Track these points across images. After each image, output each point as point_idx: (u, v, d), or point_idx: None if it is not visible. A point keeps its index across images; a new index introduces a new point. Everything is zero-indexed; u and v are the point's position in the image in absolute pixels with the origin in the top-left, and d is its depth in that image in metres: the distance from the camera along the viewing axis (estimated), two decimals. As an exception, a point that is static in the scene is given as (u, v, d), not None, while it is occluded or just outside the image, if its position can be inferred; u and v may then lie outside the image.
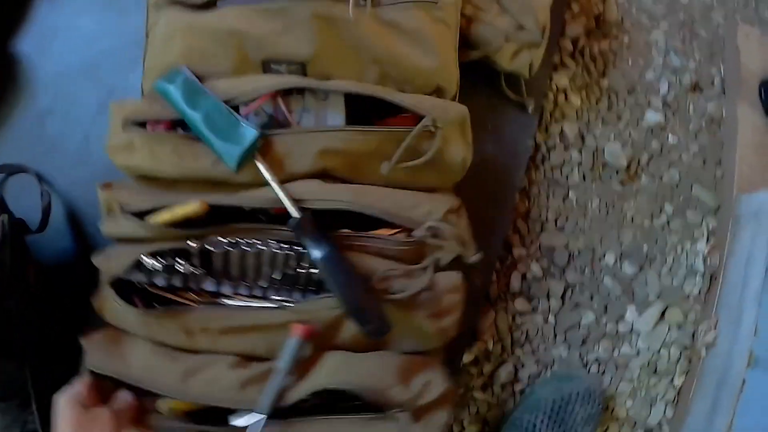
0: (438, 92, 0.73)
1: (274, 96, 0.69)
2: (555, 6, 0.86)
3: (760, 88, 1.12)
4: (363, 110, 0.70)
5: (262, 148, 0.66)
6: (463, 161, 0.71)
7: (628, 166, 0.96)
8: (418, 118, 0.67)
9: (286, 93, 0.70)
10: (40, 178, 0.87)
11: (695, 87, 1.08)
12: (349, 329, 0.67)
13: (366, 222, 0.67)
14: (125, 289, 0.69)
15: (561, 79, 0.96)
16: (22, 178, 0.89)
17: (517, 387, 0.89)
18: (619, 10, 1.04)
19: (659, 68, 1.05)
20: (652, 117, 1.00)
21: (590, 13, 1.01)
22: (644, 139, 0.98)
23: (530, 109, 0.87)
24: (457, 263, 0.69)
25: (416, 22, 0.72)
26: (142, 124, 0.71)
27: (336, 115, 0.69)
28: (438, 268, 0.68)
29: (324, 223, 0.65)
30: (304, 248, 0.65)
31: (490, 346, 0.87)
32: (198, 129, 0.67)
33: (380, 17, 0.72)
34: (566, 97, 0.96)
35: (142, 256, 0.67)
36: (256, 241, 0.66)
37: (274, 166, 0.66)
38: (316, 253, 0.63)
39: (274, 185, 0.65)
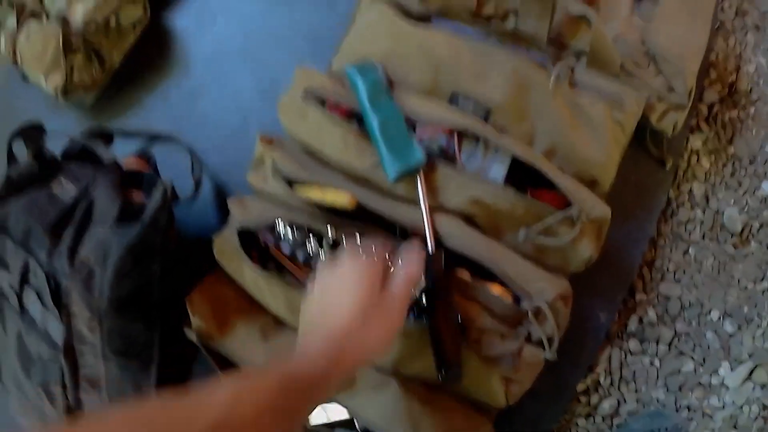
0: (592, 184, 0.82)
1: (452, 131, 0.79)
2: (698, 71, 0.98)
3: None
4: (520, 170, 0.79)
5: (427, 169, 0.76)
6: (589, 258, 0.79)
7: (742, 231, 1.06)
8: (566, 202, 0.76)
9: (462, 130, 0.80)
10: (192, 151, 0.98)
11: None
12: (424, 362, 0.75)
13: (482, 270, 0.76)
14: (248, 240, 0.78)
15: (696, 142, 1.06)
16: (167, 148, 0.98)
17: (616, 420, 0.98)
18: (750, 81, 1.15)
19: None
20: (767, 188, 1.12)
21: (725, 81, 1.12)
22: (758, 207, 1.08)
23: (668, 166, 0.98)
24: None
25: (599, 115, 0.82)
26: (321, 99, 0.81)
27: (499, 170, 0.78)
28: (528, 339, 0.77)
29: (449, 254, 0.74)
30: (423, 277, 0.73)
31: (602, 379, 0.97)
32: (372, 130, 0.77)
33: (570, 97, 0.82)
34: (698, 159, 1.05)
35: (278, 219, 0.77)
36: (386, 251, 0.76)
37: (430, 189, 0.76)
38: (430, 285, 0.72)
39: (424, 211, 0.75)
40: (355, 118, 0.82)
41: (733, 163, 1.09)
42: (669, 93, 0.92)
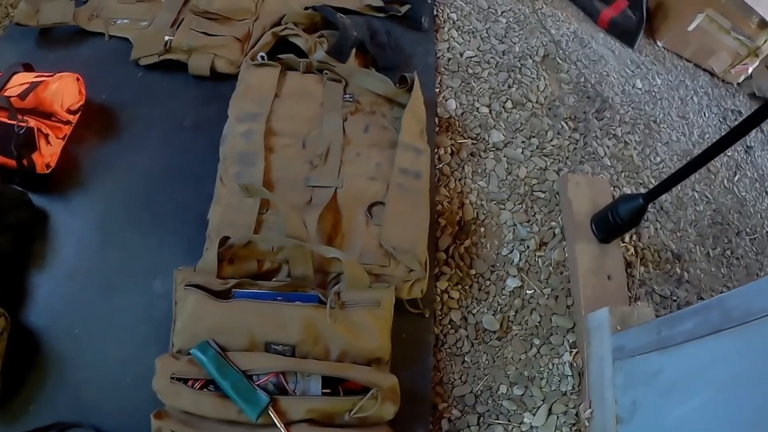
0: (378, 361, 1.49)
1: (277, 373, 1.44)
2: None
3: (591, 223, 1.93)
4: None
5: (273, 404, 1.39)
6: (395, 411, 1.45)
7: (501, 326, 1.77)
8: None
9: (283, 368, 1.44)
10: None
11: (541, 245, 1.92)
12: None
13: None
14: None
15: (442, 284, 1.75)
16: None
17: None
18: (474, 207, 1.88)
19: (510, 243, 1.87)
20: (511, 282, 1.82)
21: (453, 220, 1.84)
22: (509, 301, 1.80)
23: (427, 314, 1.67)
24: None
25: (366, 320, 1.49)
26: (184, 379, 1.42)
27: (316, 386, 1.43)
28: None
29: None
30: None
31: (435, 473, 1.70)
32: (228, 392, 1.39)
33: (344, 316, 1.48)
34: (448, 295, 1.76)
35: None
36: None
37: (280, 415, 1.39)
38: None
39: (282, 429, 1.38)
40: (211, 384, 1.49)
41: (478, 280, 1.83)
42: (410, 273, 1.65)
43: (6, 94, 1.83)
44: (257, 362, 1.46)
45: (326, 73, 2.05)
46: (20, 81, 1.90)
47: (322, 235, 1.67)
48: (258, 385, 1.44)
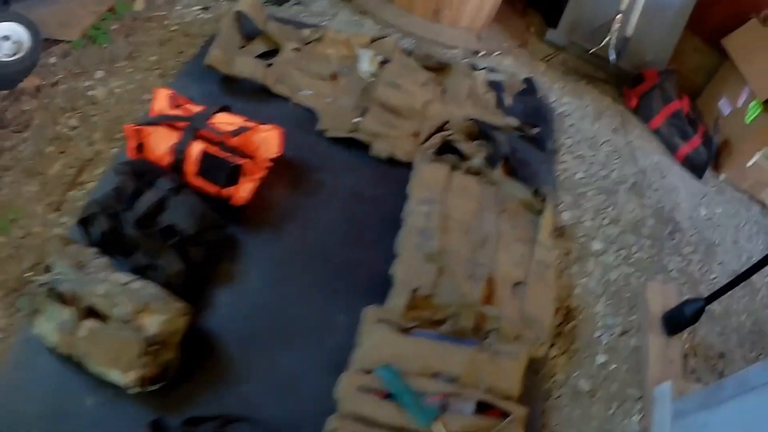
0: (509, 397, 2.09)
1: (443, 395, 2.06)
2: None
3: (662, 320, 2.60)
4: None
5: (438, 416, 2.03)
6: None
7: (591, 389, 2.40)
8: (504, 413, 2.06)
9: (446, 386, 2.11)
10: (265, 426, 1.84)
11: (623, 333, 2.59)
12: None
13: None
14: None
15: (553, 351, 2.40)
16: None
17: None
18: (578, 298, 2.57)
19: (601, 328, 2.52)
20: (600, 358, 2.45)
21: (563, 306, 2.49)
22: (598, 371, 2.40)
23: (540, 373, 2.34)
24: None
25: (507, 366, 2.10)
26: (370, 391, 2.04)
27: (469, 408, 2.04)
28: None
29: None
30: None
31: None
32: (405, 404, 2.00)
33: (493, 362, 2.10)
34: (557, 360, 2.43)
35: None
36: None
37: (444, 426, 2.00)
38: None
39: None
40: (389, 397, 2.05)
41: (577, 353, 2.46)
42: (537, 339, 2.32)
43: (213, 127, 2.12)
44: (428, 385, 2.05)
45: (482, 177, 2.74)
46: (225, 120, 2.21)
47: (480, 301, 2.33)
48: (427, 402, 2.02)
